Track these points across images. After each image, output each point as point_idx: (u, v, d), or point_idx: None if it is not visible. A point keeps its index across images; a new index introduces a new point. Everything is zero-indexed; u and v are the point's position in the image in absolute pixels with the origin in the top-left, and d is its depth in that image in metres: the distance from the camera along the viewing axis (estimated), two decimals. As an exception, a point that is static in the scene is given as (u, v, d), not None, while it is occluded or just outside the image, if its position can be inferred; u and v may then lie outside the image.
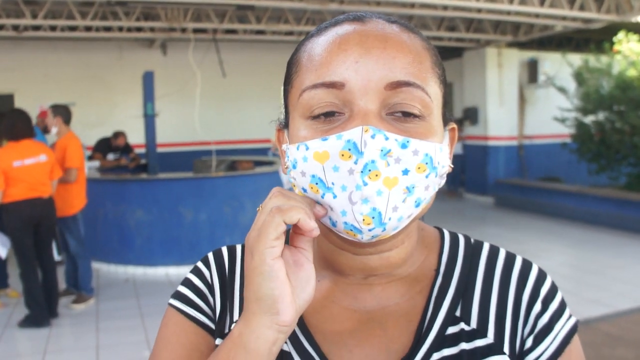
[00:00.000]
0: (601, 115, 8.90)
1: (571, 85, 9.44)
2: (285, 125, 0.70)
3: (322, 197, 0.62)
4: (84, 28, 8.81)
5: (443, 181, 0.66)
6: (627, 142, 8.42)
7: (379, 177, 0.58)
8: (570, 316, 0.72)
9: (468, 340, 0.68)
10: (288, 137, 0.68)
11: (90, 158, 7.92)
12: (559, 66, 9.96)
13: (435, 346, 0.67)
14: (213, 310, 0.75)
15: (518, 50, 10.73)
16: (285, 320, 0.58)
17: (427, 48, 0.66)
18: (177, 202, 6.08)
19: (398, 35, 0.63)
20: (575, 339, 0.71)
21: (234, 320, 0.73)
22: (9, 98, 9.51)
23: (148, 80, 6.71)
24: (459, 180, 11.28)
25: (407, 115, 0.61)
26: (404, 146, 0.59)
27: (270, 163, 7.42)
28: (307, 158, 0.62)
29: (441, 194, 10.65)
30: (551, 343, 0.69)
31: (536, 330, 0.69)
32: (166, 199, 6.12)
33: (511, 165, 10.74)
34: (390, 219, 0.60)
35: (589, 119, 9.11)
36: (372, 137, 0.58)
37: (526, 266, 0.74)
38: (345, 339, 0.69)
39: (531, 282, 0.72)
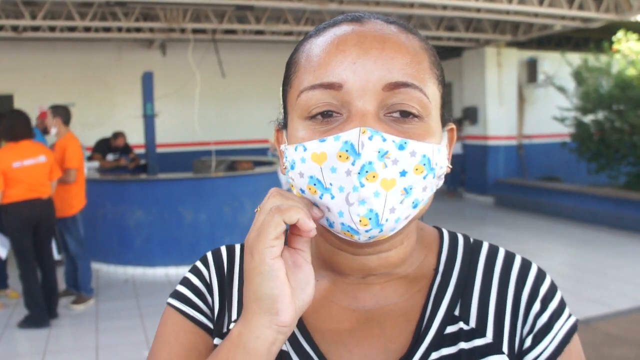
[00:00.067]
0: (600, 115, 8.91)
1: (570, 84, 9.44)
2: (284, 125, 0.70)
3: (320, 197, 0.62)
4: (83, 29, 8.81)
5: (441, 182, 0.66)
6: (626, 142, 8.42)
7: (377, 179, 0.58)
8: (569, 315, 0.71)
9: (467, 340, 0.68)
10: (287, 138, 0.68)
11: (90, 158, 7.92)
12: (558, 65, 9.97)
13: (434, 345, 0.67)
14: (211, 309, 0.75)
15: (517, 50, 10.73)
16: (284, 321, 0.58)
17: (425, 48, 0.66)
18: (176, 203, 6.08)
19: (396, 35, 0.63)
20: (575, 339, 0.70)
21: (232, 319, 0.73)
22: (9, 99, 9.51)
23: (147, 80, 6.71)
24: (459, 180, 11.28)
25: (405, 115, 0.61)
26: (401, 147, 0.59)
27: (269, 163, 7.42)
28: (305, 159, 0.62)
29: (441, 194, 10.66)
30: (550, 342, 0.69)
31: (535, 330, 0.69)
32: (166, 199, 6.12)
33: (511, 165, 10.75)
34: (387, 220, 0.60)
35: (588, 119, 9.11)
36: (370, 138, 0.58)
37: (525, 265, 0.73)
38: (344, 339, 0.69)
39: (530, 282, 0.72)
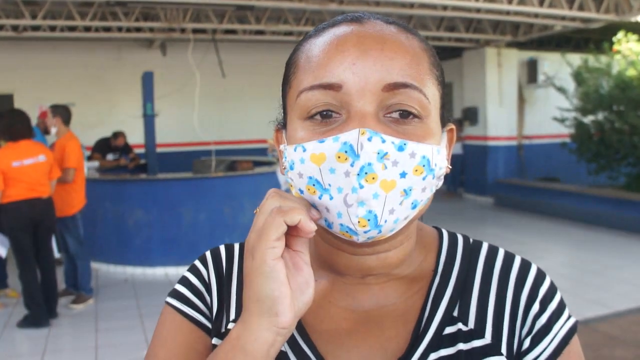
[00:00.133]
0: (600, 115, 8.91)
1: (570, 85, 9.44)
2: (283, 125, 0.70)
3: (320, 198, 0.61)
4: (84, 28, 8.81)
5: (440, 182, 0.66)
6: (626, 142, 8.42)
7: (376, 180, 0.58)
8: (569, 317, 0.71)
9: (465, 341, 0.67)
10: (286, 138, 0.68)
11: (90, 158, 7.92)
12: (558, 66, 9.97)
13: (433, 346, 0.67)
14: (210, 309, 0.75)
15: (517, 50, 10.73)
16: (284, 322, 0.58)
17: (425, 49, 0.65)
18: (176, 203, 6.08)
19: (396, 36, 0.63)
20: (575, 340, 0.70)
21: (231, 319, 0.73)
22: (9, 98, 9.51)
23: (147, 80, 6.71)
24: (459, 180, 11.29)
25: (404, 116, 0.61)
26: (400, 149, 0.59)
27: (269, 163, 7.41)
28: (304, 160, 0.61)
29: (441, 194, 10.66)
30: (549, 344, 0.68)
31: (534, 331, 0.69)
32: (165, 199, 6.12)
33: (510, 166, 10.75)
34: (386, 221, 0.60)
35: (588, 119, 9.11)
36: (369, 139, 0.58)
37: (525, 266, 0.73)
38: (342, 339, 0.69)
39: (530, 282, 0.71)
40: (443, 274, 0.72)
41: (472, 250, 0.75)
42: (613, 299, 4.97)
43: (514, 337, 0.69)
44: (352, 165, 0.58)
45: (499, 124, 10.56)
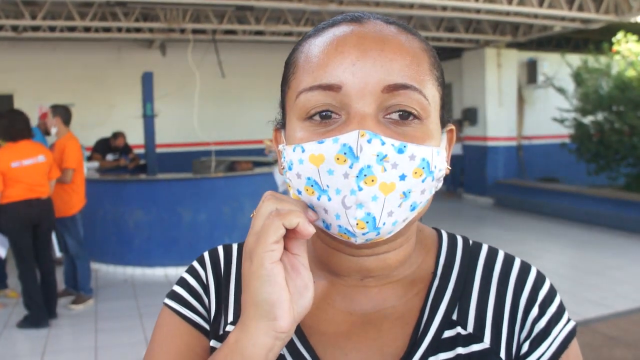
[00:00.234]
0: (600, 116, 8.91)
1: (570, 85, 9.44)
2: (282, 125, 0.69)
3: (318, 199, 0.61)
4: (83, 29, 8.81)
5: (440, 184, 0.66)
6: (626, 143, 8.42)
7: (375, 183, 0.58)
8: (568, 320, 0.70)
9: (464, 345, 0.67)
10: (285, 138, 0.67)
11: (90, 159, 7.92)
12: (558, 66, 9.97)
13: (431, 350, 0.66)
14: (208, 311, 0.74)
15: (517, 51, 10.73)
16: (282, 327, 0.57)
17: (425, 49, 0.65)
18: (176, 203, 6.08)
19: (396, 36, 0.63)
20: (574, 344, 0.69)
21: (229, 321, 0.72)
22: (8, 99, 9.51)
23: (147, 80, 6.71)
24: (458, 180, 11.29)
25: (404, 117, 0.61)
26: (400, 151, 0.59)
27: (269, 164, 7.41)
28: (303, 160, 0.61)
29: (440, 195, 10.66)
30: (548, 348, 0.68)
31: (533, 335, 0.68)
32: (165, 199, 6.11)
33: (510, 166, 10.74)
34: (384, 223, 0.60)
35: (587, 120, 9.11)
36: (369, 141, 0.57)
37: (524, 269, 0.73)
38: (341, 342, 0.68)
39: (529, 286, 0.71)
40: (442, 276, 0.72)
41: (471, 252, 0.75)
42: (613, 299, 4.97)
43: (512, 341, 0.68)
44: (350, 167, 0.58)
45: (499, 124, 10.56)
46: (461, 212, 9.79)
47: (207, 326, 0.74)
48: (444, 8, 8.01)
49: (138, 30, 9.06)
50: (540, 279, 0.72)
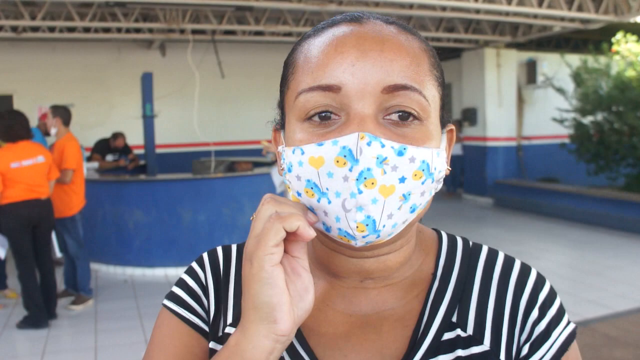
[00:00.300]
0: (600, 116, 8.92)
1: (570, 85, 9.45)
2: (281, 126, 0.69)
3: (318, 201, 0.61)
4: (83, 29, 8.81)
5: (440, 185, 0.65)
6: (625, 143, 8.43)
7: (375, 185, 0.57)
8: (568, 322, 0.70)
9: (464, 347, 0.67)
10: (284, 139, 0.67)
11: (89, 159, 7.92)
12: (557, 67, 9.98)
13: (431, 352, 0.66)
14: (207, 312, 0.74)
15: (516, 51, 10.74)
16: (283, 330, 0.57)
17: (425, 50, 0.65)
18: (175, 203, 6.08)
19: (396, 37, 0.62)
20: (574, 346, 0.69)
21: (228, 323, 0.72)
22: (8, 99, 9.50)
23: (147, 81, 6.71)
24: (458, 181, 11.30)
25: (404, 118, 0.60)
26: (400, 154, 0.58)
27: (269, 164, 7.41)
28: (303, 162, 0.61)
29: (440, 195, 10.66)
30: (548, 351, 0.68)
31: (533, 337, 0.68)
32: (165, 200, 6.11)
33: (510, 166, 10.75)
34: (384, 226, 0.60)
35: (587, 120, 9.12)
36: (368, 144, 0.57)
37: (524, 271, 0.73)
38: (340, 343, 0.68)
39: (529, 288, 0.71)
40: (442, 278, 0.72)
41: (471, 254, 0.74)
42: (612, 299, 4.97)
43: (512, 343, 0.68)
44: (350, 170, 0.57)
45: (498, 124, 10.56)
46: (461, 212, 9.79)
47: (206, 328, 0.74)
48: (444, 8, 8.01)
49: (137, 30, 9.06)
50: (540, 281, 0.72)
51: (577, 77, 9.08)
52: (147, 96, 6.71)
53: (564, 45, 12.04)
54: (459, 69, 11.10)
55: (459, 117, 11.12)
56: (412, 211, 0.62)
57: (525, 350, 0.68)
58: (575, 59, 9.64)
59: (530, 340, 0.68)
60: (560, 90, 9.37)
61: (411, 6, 7.77)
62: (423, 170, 0.60)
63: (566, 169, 10.58)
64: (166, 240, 6.07)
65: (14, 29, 8.52)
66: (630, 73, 8.41)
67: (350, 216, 0.58)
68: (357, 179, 0.57)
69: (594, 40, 10.70)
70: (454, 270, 0.72)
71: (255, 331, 0.57)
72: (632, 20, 8.20)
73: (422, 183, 0.61)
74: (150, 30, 9.02)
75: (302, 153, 0.61)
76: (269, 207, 0.59)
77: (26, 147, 4.49)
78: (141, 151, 7.88)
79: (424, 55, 0.64)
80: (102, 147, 8.30)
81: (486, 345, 0.67)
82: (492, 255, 0.74)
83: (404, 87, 0.60)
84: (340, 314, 0.70)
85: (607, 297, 5.02)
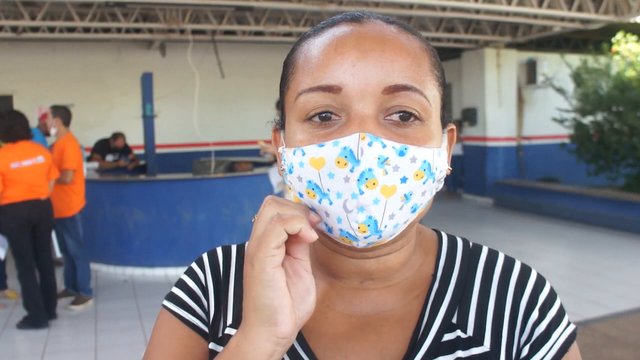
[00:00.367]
0: (600, 116, 8.92)
1: (570, 86, 9.45)
2: (281, 126, 0.69)
3: (319, 202, 0.61)
4: (83, 29, 8.81)
5: (441, 185, 0.65)
6: (625, 143, 8.43)
7: (377, 186, 0.57)
8: (568, 324, 0.70)
9: (464, 348, 0.67)
10: (284, 140, 0.66)
11: (89, 159, 7.92)
12: (557, 67, 9.98)
13: (431, 353, 0.66)
14: (207, 313, 0.74)
15: (516, 51, 10.74)
16: (284, 332, 0.56)
17: (425, 49, 0.64)
18: (175, 203, 6.08)
19: (396, 36, 0.62)
20: (574, 347, 0.69)
21: (228, 324, 0.72)
22: (8, 99, 9.50)
23: (147, 81, 6.71)
24: (458, 181, 11.30)
25: (405, 118, 0.60)
26: (401, 154, 0.58)
27: (268, 164, 7.41)
28: (304, 163, 0.61)
29: (440, 195, 10.66)
30: (548, 351, 0.68)
31: (533, 339, 0.68)
32: (165, 200, 6.11)
33: (510, 166, 10.75)
34: (386, 226, 0.59)
35: (587, 120, 9.12)
36: (369, 144, 0.57)
37: (525, 272, 0.72)
38: (340, 344, 0.68)
39: (529, 289, 0.71)
40: (442, 279, 0.71)
41: (471, 255, 0.74)
42: (612, 299, 4.97)
43: (512, 344, 0.68)
44: (351, 170, 0.57)
45: (498, 124, 10.56)
46: (461, 212, 9.79)
47: (205, 329, 0.73)
48: (444, 8, 8.01)
49: (137, 30, 9.06)
50: (540, 282, 0.72)
51: (577, 77, 9.08)
52: (147, 96, 6.71)
53: (564, 46, 12.04)
54: (459, 69, 11.10)
55: (459, 117, 11.12)
56: (414, 211, 0.62)
57: (525, 351, 0.68)
58: (575, 59, 9.64)
59: (531, 342, 0.68)
60: (560, 91, 9.38)
61: (411, 6, 7.77)
62: (424, 170, 0.60)
63: (566, 169, 10.58)
64: (166, 240, 6.07)
65: (14, 29, 8.52)
66: (630, 73, 8.41)
67: (352, 217, 0.58)
68: (358, 180, 0.57)
69: (594, 40, 10.70)
70: (454, 271, 0.72)
71: (256, 334, 0.57)
72: (632, 20, 8.20)
73: (424, 183, 0.61)
74: (150, 31, 9.02)
75: (303, 154, 0.61)
76: (271, 209, 0.59)
77: (26, 148, 4.49)
78: (141, 151, 7.88)
79: (425, 55, 0.64)
80: (102, 147, 8.30)
81: (486, 347, 0.67)
82: (492, 256, 0.74)
83: (405, 88, 0.59)
84: (340, 314, 0.70)
85: (607, 297, 5.02)
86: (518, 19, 8.49)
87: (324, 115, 0.61)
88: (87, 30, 8.87)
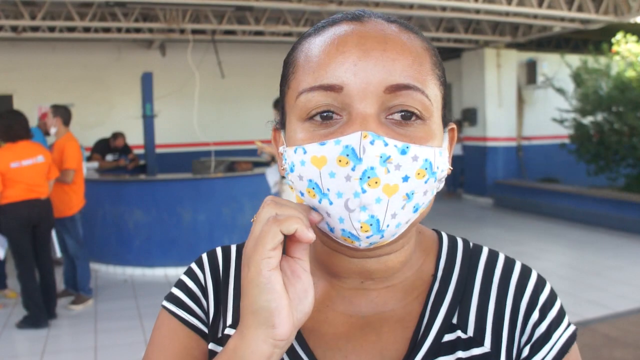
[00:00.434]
0: (600, 116, 8.91)
1: (570, 86, 9.45)
2: (282, 125, 0.68)
3: (319, 202, 0.60)
4: (83, 29, 8.81)
5: (442, 184, 0.65)
6: (625, 143, 8.42)
7: (379, 184, 0.57)
8: (569, 325, 0.70)
9: (464, 349, 0.67)
10: (285, 139, 0.66)
11: (89, 159, 7.92)
12: (557, 67, 9.98)
13: (431, 354, 0.66)
14: (206, 313, 0.74)
15: (517, 51, 10.74)
16: (282, 335, 0.56)
17: (427, 48, 0.64)
18: (175, 203, 6.07)
19: (397, 36, 0.62)
20: (574, 348, 0.69)
21: (227, 324, 0.72)
22: (8, 99, 9.50)
23: (147, 81, 6.71)
24: (458, 181, 11.29)
25: (407, 117, 0.60)
26: (403, 152, 0.58)
27: (267, 164, 7.40)
28: (305, 162, 0.60)
29: (440, 195, 10.64)
30: (548, 352, 0.68)
31: (533, 339, 0.68)
32: (165, 199, 6.11)
33: (510, 166, 10.75)
34: (388, 225, 0.59)
35: (587, 120, 9.12)
36: (371, 143, 0.56)
37: (525, 273, 0.72)
38: (340, 344, 0.68)
39: (530, 290, 0.71)
40: (442, 279, 0.71)
41: (472, 255, 0.74)
42: (612, 299, 4.97)
43: (513, 345, 0.68)
44: (353, 169, 0.57)
45: (498, 124, 10.57)
46: (461, 212, 9.79)
47: (205, 329, 0.73)
48: (444, 8, 8.01)
49: (138, 30, 9.06)
50: (540, 283, 0.72)
51: (577, 78, 9.08)
52: (147, 96, 6.71)
53: (564, 46, 12.04)
54: (459, 69, 11.10)
55: (459, 117, 11.11)
56: (415, 211, 0.62)
57: (525, 352, 0.68)
58: (575, 60, 9.64)
59: (531, 342, 0.68)
60: (560, 91, 9.37)
61: (411, 6, 7.77)
62: (426, 169, 0.60)
63: (566, 170, 10.58)
64: (166, 240, 6.07)
65: (14, 28, 8.52)
66: (630, 73, 8.41)
67: (354, 216, 0.58)
68: (360, 178, 0.57)
69: (594, 40, 10.71)
70: (454, 271, 0.72)
71: (253, 336, 0.57)
72: (632, 20, 8.20)
73: (425, 182, 0.60)
74: (150, 30, 9.02)
75: (304, 152, 0.60)
76: (269, 209, 0.58)
77: (26, 147, 4.49)
78: (141, 151, 7.88)
79: (426, 54, 0.64)
80: (102, 147, 8.31)
81: (486, 347, 0.67)
82: (493, 256, 0.74)
83: (406, 87, 0.59)
84: (340, 315, 0.69)
85: (607, 298, 5.02)
86: (518, 19, 8.49)
87: (325, 114, 0.60)
88: (87, 30, 8.87)
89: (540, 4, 7.65)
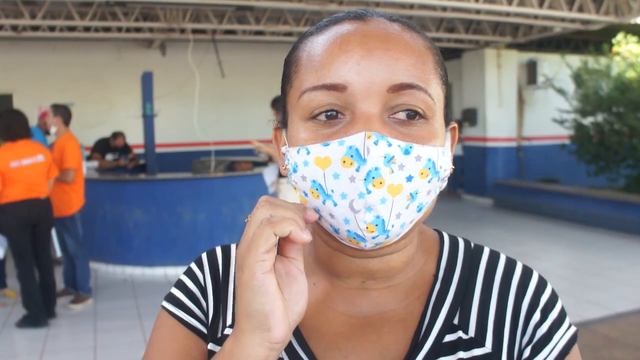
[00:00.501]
0: (600, 117, 8.91)
1: (570, 86, 9.44)
2: (284, 125, 0.68)
3: (323, 203, 0.60)
4: (83, 28, 8.81)
5: (444, 184, 0.65)
6: (625, 144, 8.43)
7: (383, 185, 0.57)
8: (569, 326, 0.70)
9: (466, 350, 0.66)
10: (287, 138, 0.66)
11: (89, 158, 7.92)
12: (557, 67, 9.97)
13: (432, 354, 0.66)
14: (206, 314, 0.74)
15: (517, 52, 10.74)
16: (277, 337, 0.56)
17: (429, 48, 0.64)
18: (175, 203, 6.07)
19: (400, 35, 0.62)
20: (575, 349, 0.69)
21: (227, 324, 0.72)
22: (8, 98, 9.50)
23: (147, 80, 6.71)
24: (458, 181, 11.29)
25: (410, 117, 0.60)
26: (407, 152, 0.58)
27: (265, 164, 7.40)
28: (308, 163, 0.60)
29: (440, 195, 10.59)
30: (549, 353, 0.67)
31: (534, 340, 0.68)
32: (165, 199, 6.11)
33: (510, 167, 10.75)
34: (393, 226, 0.59)
35: (587, 121, 9.12)
36: (375, 143, 0.56)
37: (526, 274, 0.72)
38: (340, 345, 0.68)
39: (531, 291, 0.70)
40: (444, 279, 0.71)
41: (473, 255, 0.74)
42: (612, 300, 4.97)
43: (514, 345, 0.68)
44: (357, 170, 0.57)
45: (499, 125, 10.57)
46: (461, 212, 9.79)
47: (204, 330, 0.73)
48: (444, 8, 8.01)
49: (138, 30, 9.06)
50: (542, 284, 0.71)
51: (577, 78, 9.08)
52: (147, 95, 6.71)
53: (564, 46, 12.04)
54: (460, 69, 11.10)
55: (459, 117, 11.11)
56: (419, 210, 0.62)
57: (526, 353, 0.68)
58: (575, 60, 9.64)
59: (532, 343, 0.68)
60: (560, 91, 9.37)
61: (412, 6, 7.77)
62: (429, 168, 0.60)
63: (566, 170, 10.58)
64: (166, 240, 6.07)
65: (14, 28, 8.51)
66: (630, 74, 8.41)
67: (360, 217, 0.58)
68: (365, 179, 0.56)
69: (594, 41, 10.71)
70: (455, 272, 0.72)
71: (248, 340, 0.56)
72: (632, 21, 8.19)
73: (429, 182, 0.60)
74: (151, 30, 9.02)
75: (308, 153, 0.60)
76: (263, 210, 0.58)
77: (26, 146, 4.49)
78: (141, 150, 7.88)
79: (429, 53, 0.63)
80: (102, 147, 8.31)
81: (488, 348, 0.67)
82: (494, 257, 0.74)
83: (410, 86, 0.59)
84: (340, 314, 0.69)
85: (607, 298, 5.02)
86: (518, 20, 8.49)
87: (328, 113, 0.60)
88: (87, 29, 8.87)
89: (540, 5, 7.65)
